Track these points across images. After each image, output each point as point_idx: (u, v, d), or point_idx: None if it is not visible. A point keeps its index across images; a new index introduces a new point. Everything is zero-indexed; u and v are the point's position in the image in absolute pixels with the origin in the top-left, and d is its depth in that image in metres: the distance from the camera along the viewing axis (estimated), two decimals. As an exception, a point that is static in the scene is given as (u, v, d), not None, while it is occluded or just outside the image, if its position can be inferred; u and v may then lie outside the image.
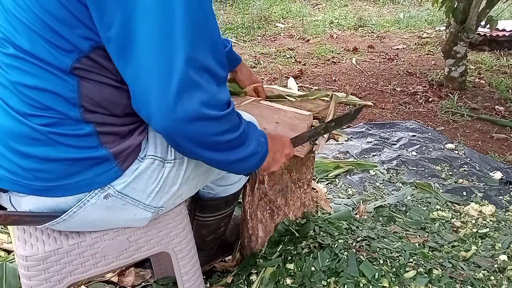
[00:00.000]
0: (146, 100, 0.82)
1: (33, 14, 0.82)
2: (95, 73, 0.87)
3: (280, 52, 4.93)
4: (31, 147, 0.87)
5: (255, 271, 1.48)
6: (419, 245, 1.69)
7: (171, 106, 0.79)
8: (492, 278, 1.54)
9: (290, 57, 4.79)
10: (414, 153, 2.73)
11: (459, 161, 2.61)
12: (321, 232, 1.57)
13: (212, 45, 0.84)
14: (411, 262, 1.50)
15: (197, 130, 0.83)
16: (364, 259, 1.45)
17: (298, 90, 1.69)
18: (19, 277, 1.07)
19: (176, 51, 0.79)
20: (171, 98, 0.79)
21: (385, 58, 4.79)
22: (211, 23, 0.85)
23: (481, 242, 1.80)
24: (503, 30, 4.90)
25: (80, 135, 0.89)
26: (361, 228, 1.71)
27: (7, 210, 0.99)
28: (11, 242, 1.60)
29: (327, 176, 2.40)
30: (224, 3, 7.17)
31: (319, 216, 1.70)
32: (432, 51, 5.01)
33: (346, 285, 1.38)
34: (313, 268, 1.43)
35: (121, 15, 0.78)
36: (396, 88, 3.86)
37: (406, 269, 1.46)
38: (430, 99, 3.61)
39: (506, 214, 2.09)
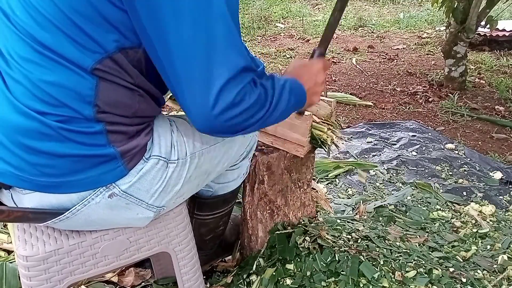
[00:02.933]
0: (186, 106, 0.86)
1: (59, 10, 0.82)
2: (115, 76, 0.88)
3: (280, 52, 4.93)
4: (40, 142, 0.87)
5: (255, 271, 1.48)
6: (419, 245, 1.69)
7: (209, 111, 0.83)
8: (492, 278, 1.54)
9: (290, 57, 4.79)
10: (414, 153, 2.73)
11: (459, 161, 2.61)
12: (321, 233, 1.57)
13: (241, 46, 0.87)
14: (411, 262, 1.50)
15: (233, 124, 0.87)
16: (364, 259, 1.45)
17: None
18: (19, 277, 1.07)
19: (215, 69, 0.82)
20: (208, 103, 0.82)
21: (385, 58, 4.79)
22: (238, 27, 0.88)
23: (481, 242, 1.80)
24: (503, 30, 4.89)
25: (90, 132, 0.89)
26: (361, 228, 1.71)
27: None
28: (11, 242, 1.60)
29: (327, 176, 2.40)
30: (224, 3, 7.14)
31: (319, 216, 1.70)
32: (432, 51, 5.01)
33: (346, 286, 1.38)
34: (313, 269, 1.43)
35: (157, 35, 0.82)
36: (396, 88, 3.86)
37: (406, 269, 1.46)
38: (430, 99, 3.61)
39: (506, 214, 2.09)
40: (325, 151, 1.45)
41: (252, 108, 0.88)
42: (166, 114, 1.17)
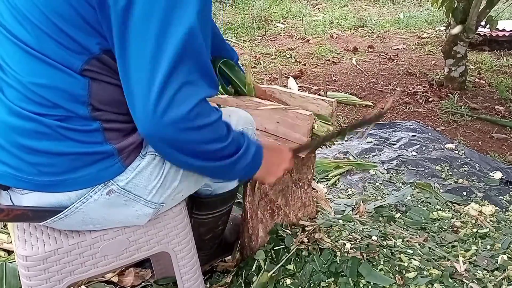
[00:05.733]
0: (132, 103, 0.84)
1: (42, 14, 0.82)
2: (104, 75, 0.89)
3: (280, 52, 4.93)
4: (37, 141, 0.88)
5: (255, 271, 1.48)
6: (419, 245, 1.69)
7: (153, 113, 0.81)
8: (492, 278, 1.54)
9: (290, 57, 4.79)
10: (414, 153, 2.73)
11: (459, 161, 2.61)
12: (321, 233, 1.57)
13: (200, 59, 0.85)
14: (411, 262, 1.50)
15: (181, 137, 0.84)
16: (364, 260, 1.45)
17: (298, 90, 1.69)
18: (19, 277, 1.07)
19: (162, 62, 0.80)
20: (153, 106, 0.80)
21: (385, 58, 4.79)
22: (205, 44, 0.86)
23: (481, 242, 1.80)
24: (503, 30, 4.90)
25: (87, 130, 0.90)
26: (361, 228, 1.71)
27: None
28: (11, 242, 1.60)
29: (327, 176, 2.40)
30: (224, 3, 7.17)
31: (319, 216, 1.70)
32: (432, 51, 5.01)
33: (346, 286, 1.37)
34: (312, 269, 1.43)
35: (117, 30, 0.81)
36: (396, 88, 3.86)
37: (408, 269, 1.46)
38: (430, 99, 3.61)
39: (506, 214, 2.09)
40: (326, 148, 1.46)
41: (208, 131, 0.87)
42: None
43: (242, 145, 0.98)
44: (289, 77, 3.54)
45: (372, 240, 1.61)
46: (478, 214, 2.03)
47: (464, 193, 2.27)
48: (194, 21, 0.81)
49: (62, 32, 0.83)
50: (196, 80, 0.84)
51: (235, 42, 5.28)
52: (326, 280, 1.40)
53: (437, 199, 2.18)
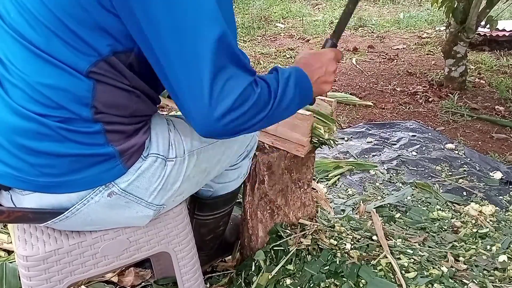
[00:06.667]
0: (186, 111, 0.85)
1: (51, 13, 0.82)
2: (110, 78, 0.88)
3: (280, 52, 4.92)
4: (38, 142, 0.87)
5: (255, 271, 1.48)
6: (419, 245, 1.69)
7: (208, 115, 0.82)
8: (492, 278, 1.54)
9: (290, 57, 4.79)
10: (414, 153, 2.73)
11: (459, 161, 2.61)
12: (321, 233, 1.57)
13: (238, 49, 0.86)
14: (411, 262, 1.50)
15: (234, 126, 0.86)
16: (363, 260, 1.45)
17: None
18: (19, 277, 1.07)
19: (203, 63, 0.81)
20: (206, 107, 0.82)
21: (385, 58, 4.79)
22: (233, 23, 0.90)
23: (481, 242, 1.80)
24: (503, 30, 4.90)
25: (89, 132, 0.90)
26: (361, 228, 1.71)
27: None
28: (11, 242, 1.60)
29: (327, 176, 2.40)
30: (224, 3, 7.15)
31: (319, 217, 1.70)
32: (432, 51, 5.01)
33: (346, 286, 1.38)
34: (312, 269, 1.43)
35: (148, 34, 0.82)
36: (396, 88, 3.86)
37: (408, 269, 1.46)
38: (430, 99, 3.61)
39: (506, 214, 2.09)
40: (328, 148, 1.45)
41: (253, 109, 0.87)
42: (166, 115, 1.17)
43: (285, 89, 0.94)
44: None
45: (372, 240, 1.61)
46: (478, 214, 2.03)
47: (464, 193, 2.27)
48: (218, 11, 0.82)
49: (71, 32, 0.83)
50: (234, 72, 0.84)
51: (235, 42, 5.28)
52: (326, 280, 1.40)
53: (437, 199, 2.18)
